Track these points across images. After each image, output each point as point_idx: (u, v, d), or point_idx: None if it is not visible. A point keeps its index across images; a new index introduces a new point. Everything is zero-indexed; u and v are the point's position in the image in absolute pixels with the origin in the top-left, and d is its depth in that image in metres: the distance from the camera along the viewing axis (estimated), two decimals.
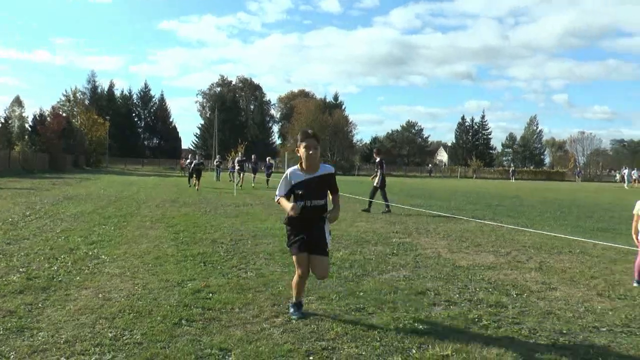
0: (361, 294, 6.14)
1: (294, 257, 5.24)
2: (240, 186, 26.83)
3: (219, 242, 9.45)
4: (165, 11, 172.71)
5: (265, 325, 4.93)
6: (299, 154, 5.15)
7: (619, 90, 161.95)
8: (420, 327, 5.03)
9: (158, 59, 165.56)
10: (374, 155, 17.70)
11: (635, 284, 7.01)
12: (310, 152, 5.04)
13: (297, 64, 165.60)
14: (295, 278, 5.31)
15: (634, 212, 7.21)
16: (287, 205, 5.08)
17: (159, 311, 5.23)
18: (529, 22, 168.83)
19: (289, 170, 5.24)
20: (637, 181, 55.81)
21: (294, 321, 5.06)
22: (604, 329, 5.20)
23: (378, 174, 16.81)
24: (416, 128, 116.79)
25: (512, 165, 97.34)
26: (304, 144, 5.05)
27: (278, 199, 5.22)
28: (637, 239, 7.09)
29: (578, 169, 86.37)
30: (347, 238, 10.49)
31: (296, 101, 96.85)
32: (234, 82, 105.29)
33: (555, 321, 5.39)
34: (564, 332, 5.06)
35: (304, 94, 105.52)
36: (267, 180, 30.78)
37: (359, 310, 5.48)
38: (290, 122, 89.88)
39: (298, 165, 5.19)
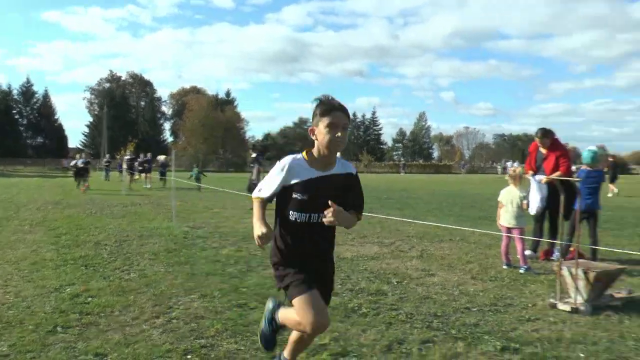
0: (244, 289, 6.17)
1: (298, 300, 3.24)
2: (130, 187, 25.95)
3: (102, 244, 9.13)
4: (48, 1, 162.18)
5: (145, 326, 4.84)
6: (313, 137, 3.34)
7: (500, 88, 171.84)
8: None
9: (40, 51, 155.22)
10: (250, 151, 18.34)
11: (504, 267, 7.56)
12: (338, 134, 3.19)
13: (189, 59, 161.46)
14: (299, 334, 3.61)
15: (499, 199, 7.79)
16: (259, 224, 3.29)
17: (32, 319, 4.99)
18: (418, 22, 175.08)
19: (287, 160, 3.33)
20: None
21: (174, 321, 5.01)
22: (475, 309, 5.56)
23: (255, 169, 17.60)
24: (308, 124, 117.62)
25: (402, 159, 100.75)
26: (327, 119, 3.20)
27: (254, 205, 3.42)
28: (501, 225, 7.69)
29: (463, 162, 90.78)
30: (234, 235, 10.48)
31: (188, 97, 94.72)
32: (123, 78, 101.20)
33: (431, 305, 5.69)
34: (438, 314, 5.36)
35: (196, 91, 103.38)
36: (164, 180, 29.84)
37: (240, 306, 5.50)
38: (182, 119, 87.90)
39: (304, 154, 3.37)
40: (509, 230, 7.66)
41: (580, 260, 5.91)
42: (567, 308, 5.50)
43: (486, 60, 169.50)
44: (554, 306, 5.62)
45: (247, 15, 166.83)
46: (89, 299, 5.70)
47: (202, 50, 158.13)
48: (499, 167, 76.41)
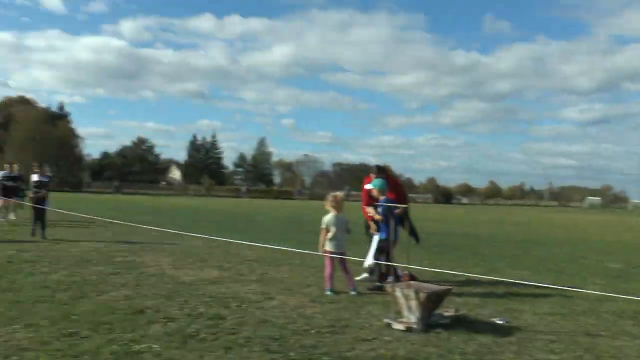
0: (75, 317, 5.68)
1: None
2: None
3: None
4: None
5: None
6: None
7: (339, 118, 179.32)
8: (137, 346, 4.81)
9: None
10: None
11: (328, 292, 7.61)
12: None
13: (15, 66, 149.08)
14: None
15: (322, 226, 7.87)
16: None
17: None
18: (257, 48, 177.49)
19: None
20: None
21: None
22: (313, 331, 5.57)
23: None
24: (147, 144, 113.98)
25: (244, 183, 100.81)
26: None
27: None
28: (327, 250, 7.79)
29: (298, 188, 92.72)
30: (68, 258, 9.71)
31: (15, 108, 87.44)
32: None
33: (269, 328, 5.62)
34: (277, 337, 5.30)
35: (24, 101, 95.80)
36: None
37: (70, 335, 5.04)
38: (7, 131, 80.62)
39: None
40: (337, 255, 7.76)
41: (412, 282, 6.20)
42: (402, 327, 5.71)
43: (325, 91, 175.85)
44: (389, 326, 5.81)
45: (81, 24, 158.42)
46: None
47: (30, 57, 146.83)
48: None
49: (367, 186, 8.64)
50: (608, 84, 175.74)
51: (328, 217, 7.82)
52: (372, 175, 9.05)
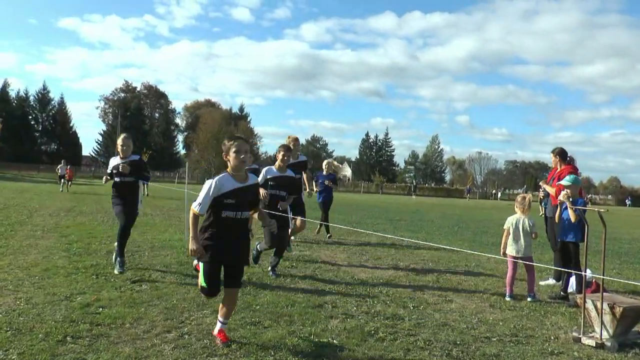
0: (258, 307, 6.03)
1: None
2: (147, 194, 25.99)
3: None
4: (66, 8, 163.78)
5: (156, 340, 4.71)
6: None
7: (516, 113, 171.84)
8: (316, 340, 4.98)
9: (57, 58, 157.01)
10: None
11: (507, 298, 7.27)
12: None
13: (204, 72, 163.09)
14: None
15: (505, 227, 7.54)
16: None
17: (42, 328, 4.88)
18: (436, 44, 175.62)
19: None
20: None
21: (186, 336, 4.87)
22: (495, 339, 5.37)
23: None
24: (321, 142, 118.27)
25: (414, 181, 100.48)
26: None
27: None
28: (506, 254, 7.44)
29: (468, 186, 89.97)
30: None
31: (202, 110, 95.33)
32: (138, 89, 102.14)
33: (449, 332, 5.52)
34: (458, 342, 5.18)
35: (210, 104, 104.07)
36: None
37: (254, 324, 5.36)
38: (195, 132, 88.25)
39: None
40: (516, 259, 7.42)
41: (605, 294, 5.71)
42: (592, 343, 5.31)
43: (503, 85, 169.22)
44: (578, 340, 5.43)
45: (265, 30, 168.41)
46: (100, 309, 5.58)
47: (218, 64, 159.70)
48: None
49: (563, 182, 7.46)
50: None
51: (511, 218, 7.52)
52: (559, 165, 8.51)
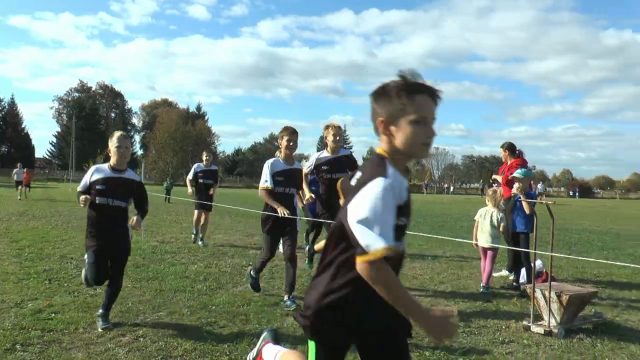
0: (213, 307, 6.02)
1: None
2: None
3: (68, 258, 8.87)
4: (16, 5, 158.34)
5: (110, 344, 4.66)
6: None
7: (473, 109, 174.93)
8: None
9: (7, 57, 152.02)
10: None
11: (481, 289, 7.46)
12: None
13: (161, 71, 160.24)
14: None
15: (475, 218, 7.78)
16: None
17: None
18: (394, 41, 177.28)
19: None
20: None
21: (141, 339, 4.84)
22: None
23: None
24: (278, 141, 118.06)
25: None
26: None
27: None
28: (479, 245, 7.66)
29: (426, 181, 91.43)
30: (204, 251, 10.31)
31: (159, 110, 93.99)
32: (94, 89, 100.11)
33: None
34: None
35: (167, 103, 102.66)
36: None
37: (210, 325, 5.36)
38: (152, 132, 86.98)
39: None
40: (485, 250, 7.62)
41: (554, 283, 5.90)
42: (541, 331, 5.48)
43: (459, 82, 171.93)
44: (527, 329, 5.59)
45: (222, 28, 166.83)
46: (52, 314, 5.49)
47: (175, 62, 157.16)
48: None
49: (515, 174, 7.69)
50: None
51: (482, 210, 7.84)
52: (508, 159, 8.73)
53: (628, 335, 5.57)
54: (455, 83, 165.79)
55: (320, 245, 7.31)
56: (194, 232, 11.49)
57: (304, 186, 6.94)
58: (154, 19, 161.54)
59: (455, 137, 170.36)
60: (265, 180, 6.37)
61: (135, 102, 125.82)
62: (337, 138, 7.10)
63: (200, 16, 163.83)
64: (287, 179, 6.48)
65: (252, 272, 6.69)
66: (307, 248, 8.11)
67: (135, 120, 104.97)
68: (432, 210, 28.97)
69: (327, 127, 7.17)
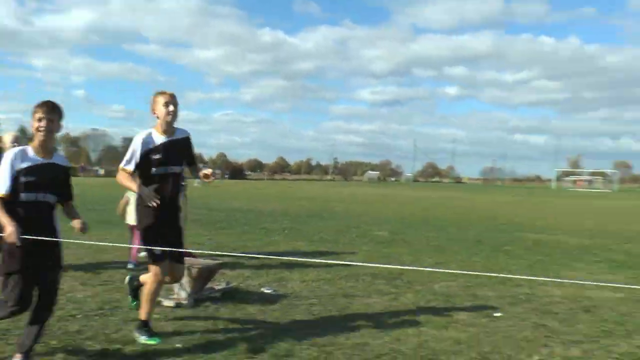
0: None
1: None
2: None
3: None
4: None
5: None
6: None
7: (137, 91, 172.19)
8: None
9: None
10: None
11: (130, 266, 7.64)
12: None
13: None
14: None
15: (127, 194, 7.91)
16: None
17: None
18: (54, 11, 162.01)
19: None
20: None
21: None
22: (80, 315, 5.42)
23: None
24: None
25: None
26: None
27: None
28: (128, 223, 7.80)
29: (82, 164, 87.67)
30: None
31: None
32: None
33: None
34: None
35: None
36: None
37: None
38: None
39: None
40: (132, 227, 7.74)
41: (187, 259, 6.29)
42: (171, 304, 5.82)
43: (123, 62, 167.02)
44: (159, 303, 5.86)
45: None
46: None
47: None
48: None
49: None
50: (402, 69, 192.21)
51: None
52: None
53: (247, 297, 6.31)
54: (119, 63, 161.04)
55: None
56: None
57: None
58: None
59: (118, 119, 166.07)
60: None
61: None
62: (173, 109, 4.80)
63: None
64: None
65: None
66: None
67: None
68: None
69: (158, 93, 4.83)
